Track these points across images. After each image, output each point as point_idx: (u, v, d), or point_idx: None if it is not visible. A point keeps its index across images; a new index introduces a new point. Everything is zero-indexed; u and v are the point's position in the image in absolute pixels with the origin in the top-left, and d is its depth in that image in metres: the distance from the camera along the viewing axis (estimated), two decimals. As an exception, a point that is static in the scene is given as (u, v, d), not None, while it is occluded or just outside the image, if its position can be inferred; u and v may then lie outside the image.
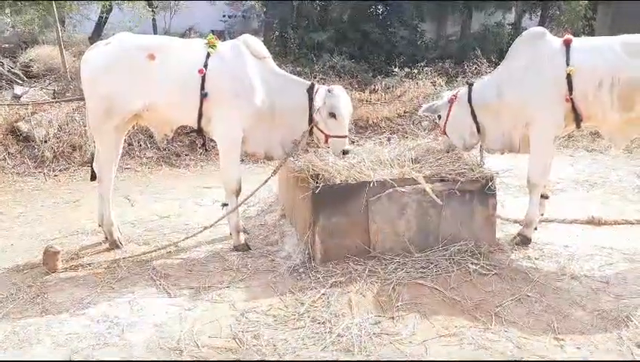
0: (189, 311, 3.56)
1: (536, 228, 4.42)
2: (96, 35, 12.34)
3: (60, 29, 9.71)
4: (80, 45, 12.05)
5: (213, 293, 3.77)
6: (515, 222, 4.75)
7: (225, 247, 4.52)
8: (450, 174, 4.10)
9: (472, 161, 4.32)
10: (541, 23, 14.98)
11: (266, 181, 4.44)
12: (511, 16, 15.48)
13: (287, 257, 4.24)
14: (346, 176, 4.03)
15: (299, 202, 4.22)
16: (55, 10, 9.68)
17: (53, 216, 5.54)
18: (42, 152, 7.19)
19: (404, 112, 8.79)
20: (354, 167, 4.14)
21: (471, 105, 4.45)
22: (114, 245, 4.55)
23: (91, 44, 11.40)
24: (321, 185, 3.88)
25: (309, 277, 3.91)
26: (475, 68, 9.49)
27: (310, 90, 4.27)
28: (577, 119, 4.19)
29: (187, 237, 4.51)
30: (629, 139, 4.42)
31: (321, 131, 4.26)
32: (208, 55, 4.26)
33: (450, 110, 4.54)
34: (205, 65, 4.21)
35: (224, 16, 15.62)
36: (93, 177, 4.59)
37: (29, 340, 3.27)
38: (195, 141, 7.66)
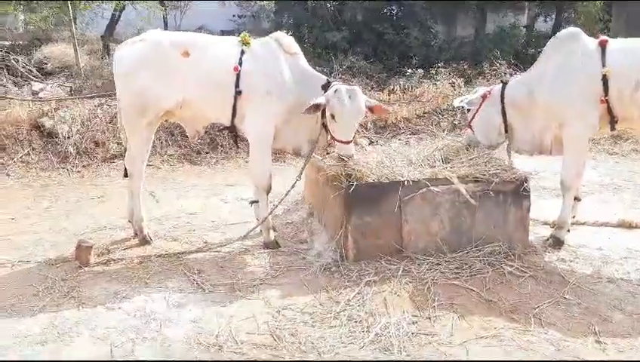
0: (225, 308, 3.56)
1: (568, 231, 4.39)
2: (109, 33, 12.43)
3: (74, 27, 9.77)
4: (92, 43, 12.15)
5: (247, 290, 3.77)
6: (545, 223, 4.72)
7: (255, 244, 4.52)
8: (483, 175, 4.08)
9: (505, 162, 4.29)
10: (556, 25, 14.96)
11: (294, 185, 4.44)
12: (523, 19, 15.46)
13: (318, 255, 4.23)
14: (378, 176, 4.02)
15: (330, 201, 4.21)
16: (70, 8, 9.71)
17: (80, 211, 5.57)
18: (66, 148, 7.21)
19: (423, 113, 8.77)
20: (386, 166, 4.12)
21: (503, 103, 4.43)
22: (144, 241, 4.56)
23: (104, 42, 11.75)
24: (354, 184, 3.87)
25: (342, 275, 3.91)
26: (494, 69, 9.43)
27: (325, 87, 4.19)
28: (612, 121, 4.15)
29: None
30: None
31: (329, 132, 4.17)
32: (242, 52, 4.26)
33: (481, 106, 4.52)
34: (240, 63, 4.22)
35: (234, 16, 15.68)
36: (127, 174, 4.59)
37: (69, 333, 3.28)
38: (215, 139, 7.68)
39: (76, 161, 7.16)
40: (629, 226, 4.72)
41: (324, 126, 4.18)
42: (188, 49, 4.24)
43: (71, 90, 9.02)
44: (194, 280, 3.89)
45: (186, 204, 5.68)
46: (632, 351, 3.07)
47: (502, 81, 4.58)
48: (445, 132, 7.95)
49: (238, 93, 4.22)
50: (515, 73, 9.23)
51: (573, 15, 14.84)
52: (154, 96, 4.22)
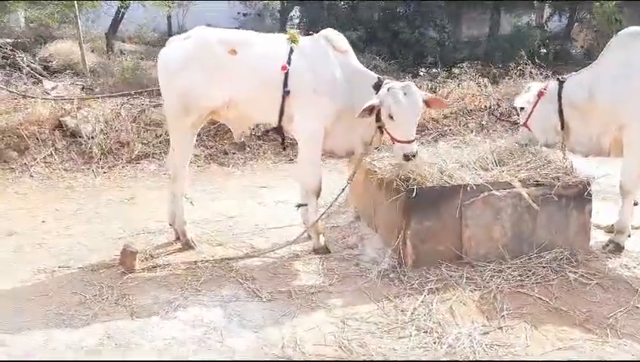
0: (286, 317, 3.43)
1: (629, 236, 4.26)
2: (113, 30, 12.29)
3: (80, 24, 9.60)
4: (95, 41, 12.03)
5: (306, 298, 3.63)
6: (598, 227, 4.60)
7: (303, 249, 4.38)
8: (545, 178, 3.95)
9: (564, 164, 4.16)
10: (569, 25, 14.87)
11: (344, 188, 4.31)
12: (533, 18, 15.37)
13: (372, 261, 4.10)
14: (437, 180, 3.89)
15: (384, 205, 4.07)
16: (76, 5, 9.55)
17: (112, 214, 5.41)
18: (90, 148, 7.05)
19: (450, 113, 8.63)
20: (444, 170, 3.99)
21: (560, 102, 4.30)
22: (187, 245, 4.42)
23: (108, 39, 11.61)
24: (416, 189, 3.73)
25: (402, 283, 3.78)
26: (520, 69, 9.31)
27: (376, 87, 4.03)
28: (675, 124, 4.03)
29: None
30: None
31: (387, 132, 4.01)
32: (291, 51, 4.12)
33: (536, 104, 4.39)
34: (288, 62, 4.08)
35: (238, 13, 15.56)
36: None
37: (127, 345, 3.15)
38: (242, 139, 7.52)
39: (101, 162, 6.99)
40: (685, 231, 4.59)
41: (379, 128, 4.03)
42: (235, 47, 4.10)
43: (83, 89, 8.87)
44: (249, 287, 3.76)
45: (222, 206, 5.53)
46: None
47: (558, 79, 4.44)
48: (473, 133, 7.83)
49: (286, 92, 4.07)
50: (542, 73, 9.19)
51: (587, 15, 14.73)
52: (200, 96, 4.08)
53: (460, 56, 12.19)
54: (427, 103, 3.99)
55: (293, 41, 4.20)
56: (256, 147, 7.47)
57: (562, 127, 4.34)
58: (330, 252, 4.29)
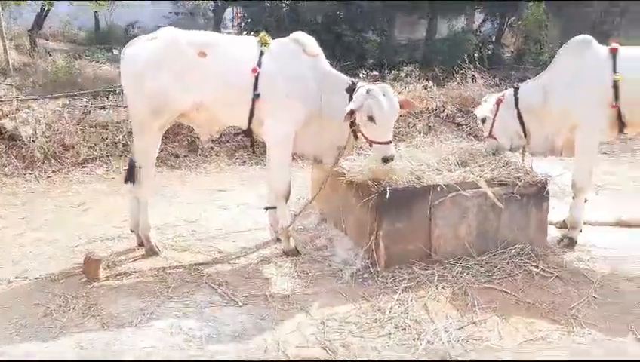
0: (265, 321, 3.41)
1: (581, 231, 4.54)
2: (37, 27, 11.73)
3: (1, 20, 9.08)
4: (19, 38, 11.40)
5: (282, 300, 3.62)
6: (550, 224, 4.85)
7: (273, 253, 4.35)
8: (508, 178, 4.14)
9: (524, 165, 4.38)
10: (500, 30, 15.61)
11: (318, 192, 4.32)
12: (465, 23, 16.04)
13: (344, 262, 4.13)
14: (407, 181, 3.99)
15: (354, 207, 4.13)
16: None
17: (64, 221, 5.17)
18: (31, 152, 6.67)
19: (399, 115, 8.80)
20: (413, 171, 4.09)
21: (517, 108, 4.52)
22: (152, 251, 4.29)
23: (32, 37, 11.01)
24: (388, 190, 3.81)
25: (376, 282, 3.84)
26: (463, 73, 9.66)
27: (350, 90, 4.06)
28: (621, 126, 4.33)
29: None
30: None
31: (364, 135, 4.02)
32: (261, 53, 4.10)
33: (497, 113, 4.59)
34: (259, 64, 4.05)
35: (170, 12, 15.27)
36: (129, 179, 4.28)
37: (104, 356, 3.02)
38: (194, 141, 7.35)
39: (44, 166, 6.63)
40: (627, 225, 4.94)
41: (354, 131, 4.04)
42: (204, 49, 4.02)
43: (21, 90, 8.38)
44: (224, 292, 3.70)
45: (181, 211, 5.39)
46: (672, 347, 3.20)
47: (513, 87, 4.68)
48: (422, 134, 8.07)
49: (256, 96, 4.04)
50: (482, 76, 9.59)
51: (517, 21, 15.48)
52: (169, 98, 3.97)
53: (400, 59, 12.49)
54: (400, 105, 4.00)
55: (263, 43, 4.17)
56: (208, 149, 7.33)
57: (524, 132, 4.56)
58: (300, 254, 4.29)
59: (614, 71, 4.23)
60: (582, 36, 4.47)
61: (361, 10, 13.09)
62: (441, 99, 9.03)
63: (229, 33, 12.62)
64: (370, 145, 3.96)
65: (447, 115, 8.89)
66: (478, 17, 16.48)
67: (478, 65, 10.01)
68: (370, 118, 3.80)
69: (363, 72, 10.83)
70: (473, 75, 9.50)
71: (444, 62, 11.37)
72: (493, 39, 15.17)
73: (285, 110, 4.08)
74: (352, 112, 3.81)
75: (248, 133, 4.27)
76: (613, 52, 4.28)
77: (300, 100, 4.08)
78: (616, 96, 4.22)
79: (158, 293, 3.70)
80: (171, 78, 3.95)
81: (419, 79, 9.65)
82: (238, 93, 4.04)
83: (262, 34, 4.22)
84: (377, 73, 10.58)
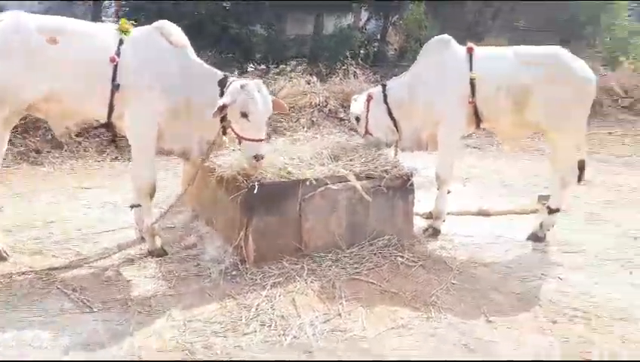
0: (122, 326, 3.20)
1: (444, 221, 4.77)
2: None
3: None
4: None
5: (143, 304, 3.43)
6: (416, 214, 5.06)
7: (138, 253, 4.12)
8: (375, 171, 4.24)
9: (392, 159, 4.52)
10: (384, 29, 16.19)
11: (185, 190, 4.15)
12: (351, 20, 16.47)
13: (213, 260, 4.01)
14: (277, 175, 3.94)
15: (224, 202, 4.02)
16: None
17: None
18: None
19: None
20: (283, 165, 4.06)
21: (387, 104, 4.65)
22: (-2, 257, 3.89)
23: None
24: (257, 185, 3.74)
25: (245, 279, 3.77)
26: (345, 69, 9.86)
27: (222, 84, 3.95)
28: (478, 121, 4.60)
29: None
30: (519, 140, 4.99)
31: (234, 132, 3.87)
32: (121, 42, 3.84)
33: (369, 110, 4.69)
34: (118, 54, 3.80)
35: None
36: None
37: None
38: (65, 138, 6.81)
39: None
40: (486, 214, 5.29)
41: (223, 127, 3.90)
42: (55, 34, 3.69)
43: None
44: (77, 298, 3.43)
45: (39, 211, 4.96)
46: (517, 327, 3.44)
47: (382, 84, 4.81)
48: (305, 128, 8.12)
49: (115, 86, 3.79)
50: (364, 72, 9.85)
51: (400, 21, 16.13)
52: (14, 87, 3.61)
53: (288, 54, 12.51)
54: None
55: (123, 31, 3.91)
56: (75, 144, 6.82)
57: (396, 127, 4.71)
58: (167, 254, 4.10)
59: (471, 69, 4.47)
60: (441, 36, 4.69)
61: (249, 4, 12.92)
62: (324, 94, 9.15)
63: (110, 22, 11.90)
64: (240, 143, 3.83)
65: (330, 110, 9.03)
66: (365, 15, 16.98)
67: (361, 61, 10.28)
68: (244, 115, 3.70)
69: (251, 65, 10.74)
70: (355, 71, 9.73)
71: (330, 58, 11.55)
72: (379, 37, 15.69)
73: (147, 103, 3.87)
74: (223, 107, 3.68)
75: (109, 126, 4.00)
76: (470, 51, 4.53)
77: (164, 92, 3.88)
78: (473, 93, 4.47)
79: (2, 302, 3.35)
80: (14, 65, 3.58)
81: (303, 74, 9.72)
82: (94, 83, 3.77)
83: (122, 21, 3.96)
84: (264, 67, 10.53)
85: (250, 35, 12.50)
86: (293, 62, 9.91)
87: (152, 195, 4.03)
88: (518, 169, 7.32)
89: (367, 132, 4.77)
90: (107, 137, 6.79)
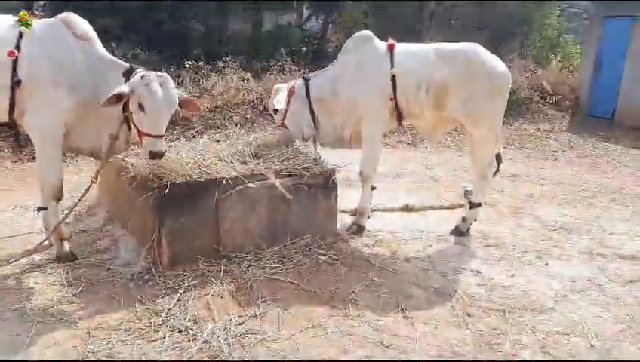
0: (18, 337, 3.00)
1: (368, 217, 4.77)
2: None
3: None
4: None
5: (44, 313, 3.24)
6: (343, 212, 5.05)
7: (46, 259, 3.90)
8: (296, 169, 4.17)
9: (314, 156, 4.46)
10: (325, 26, 16.22)
11: (88, 188, 3.93)
12: (291, 17, 16.43)
13: (126, 265, 3.85)
14: (192, 174, 3.81)
15: (137, 204, 3.85)
16: None
17: None
18: None
19: (215, 107, 8.64)
20: (200, 164, 3.93)
21: (309, 98, 4.59)
22: None
23: None
24: (168, 185, 3.60)
25: (158, 283, 3.62)
26: (281, 65, 9.77)
27: (127, 74, 3.73)
28: (400, 117, 4.62)
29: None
30: (440, 135, 5.04)
31: (134, 125, 3.64)
32: (21, 35, 3.61)
33: (289, 103, 4.61)
34: (18, 47, 3.56)
35: None
36: None
37: None
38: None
39: None
40: (412, 210, 5.34)
41: (126, 120, 3.71)
42: (-57, 27, 3.42)
43: None
44: (-30, 309, 3.19)
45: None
46: (433, 321, 3.46)
47: (303, 78, 4.74)
48: (238, 126, 7.98)
49: (16, 83, 3.56)
50: (300, 69, 9.78)
51: (339, 19, 16.18)
52: None
53: (225, 50, 12.30)
54: (181, 104, 3.75)
55: (23, 24, 3.67)
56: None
57: (314, 122, 4.65)
58: (77, 258, 3.90)
59: (392, 66, 4.47)
60: (363, 32, 4.68)
61: (185, -1, 12.60)
62: (259, 91, 9.03)
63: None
64: (141, 138, 3.65)
65: (264, 107, 8.91)
66: (307, 13, 16.94)
67: (296, 58, 10.21)
68: (141, 107, 3.51)
69: (189, 62, 10.42)
70: (290, 68, 9.66)
71: (269, 54, 11.43)
72: (320, 35, 15.69)
73: (51, 99, 3.65)
74: (118, 97, 3.49)
75: (11, 125, 3.74)
76: (391, 48, 4.53)
77: (69, 88, 3.67)
78: (394, 89, 4.47)
79: None
80: None
81: (238, 70, 9.56)
82: (-10, 79, 3.52)
83: (22, 13, 3.71)
84: (201, 64, 10.28)
85: (186, 31, 12.23)
86: (227, 59, 9.67)
87: (58, 198, 3.82)
88: (448, 164, 7.46)
89: (282, 124, 4.69)
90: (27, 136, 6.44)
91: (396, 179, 6.65)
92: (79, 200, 3.96)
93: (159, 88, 3.51)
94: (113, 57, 3.89)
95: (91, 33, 3.84)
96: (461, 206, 5.35)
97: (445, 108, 4.52)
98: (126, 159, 4.12)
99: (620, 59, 10.72)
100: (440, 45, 4.64)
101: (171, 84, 3.63)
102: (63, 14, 3.84)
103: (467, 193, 5.26)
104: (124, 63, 3.82)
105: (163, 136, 3.61)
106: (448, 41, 4.68)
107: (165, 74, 3.70)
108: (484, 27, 15.46)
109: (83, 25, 3.83)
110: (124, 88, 3.51)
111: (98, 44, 3.86)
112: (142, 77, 3.55)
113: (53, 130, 3.70)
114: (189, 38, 12.13)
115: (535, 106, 11.06)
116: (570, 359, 3.14)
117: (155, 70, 3.73)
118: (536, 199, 6.13)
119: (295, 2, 15.52)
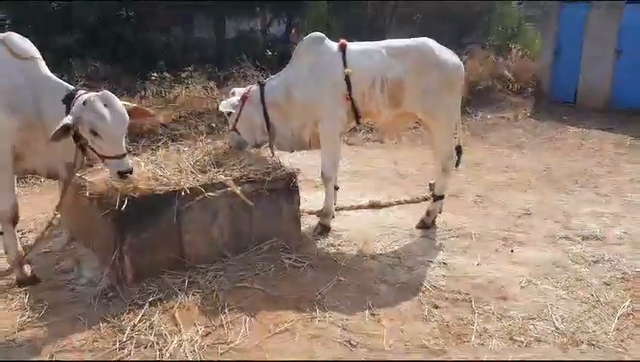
0: (-23, 368, 2.95)
1: (333, 217, 4.79)
2: None
3: None
4: None
5: (5, 340, 3.18)
6: (310, 213, 5.07)
7: (6, 284, 3.82)
8: (256, 175, 4.17)
9: (274, 160, 4.46)
10: (287, 30, 16.23)
11: (55, 216, 3.89)
12: (257, 23, 16.40)
13: (89, 284, 3.80)
14: (150, 187, 3.78)
15: (97, 222, 3.80)
16: None
17: None
18: None
19: (179, 117, 8.58)
20: (158, 176, 3.90)
21: (263, 103, 4.59)
22: None
23: None
24: (126, 200, 3.56)
25: (123, 300, 3.58)
26: (242, 72, 9.75)
27: (68, 100, 3.54)
28: (357, 116, 4.64)
29: None
30: (400, 131, 5.09)
31: (94, 151, 3.51)
32: (-41, 56, 3.53)
33: (242, 107, 4.60)
34: (-48, 69, 3.48)
35: None
36: None
37: None
38: None
39: None
40: (378, 206, 5.38)
41: (81, 147, 3.56)
42: None
43: None
44: None
45: None
46: (400, 317, 3.50)
47: (259, 83, 4.74)
48: (204, 135, 7.93)
49: None
50: (263, 75, 9.76)
51: (302, 21, 16.21)
52: None
53: (190, 59, 12.22)
54: (130, 114, 3.61)
55: (-41, 44, 3.59)
56: None
57: (268, 127, 4.65)
58: (39, 281, 3.83)
59: (345, 65, 4.49)
60: (314, 33, 4.69)
61: (145, 9, 12.47)
62: (223, 99, 8.96)
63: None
64: (103, 161, 3.56)
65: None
66: (269, 17, 16.90)
67: (260, 63, 10.19)
68: (94, 133, 3.41)
69: (154, 73, 10.37)
70: (253, 74, 9.65)
71: (232, 61, 11.39)
72: (283, 38, 15.68)
73: (-7, 124, 3.55)
74: (65, 129, 3.36)
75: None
76: (343, 47, 4.55)
77: (9, 111, 3.55)
78: (349, 89, 4.50)
79: None
80: None
81: (200, 79, 9.51)
82: None
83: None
84: (165, 74, 10.20)
85: (148, 42, 12.12)
86: (190, 68, 9.62)
87: (14, 221, 3.75)
88: (416, 158, 7.52)
89: (234, 128, 4.67)
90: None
91: (363, 177, 6.67)
92: (46, 228, 3.91)
93: (106, 110, 3.41)
94: (58, 80, 3.74)
95: (33, 52, 3.74)
96: (426, 199, 5.41)
97: (402, 104, 4.55)
98: (84, 177, 4.06)
99: (578, 44, 10.96)
100: (392, 42, 4.68)
101: (115, 100, 3.50)
102: (5, 34, 3.76)
103: (432, 186, 5.32)
104: (67, 86, 3.67)
105: (126, 153, 3.54)
106: (411, 36, 4.71)
107: (106, 91, 3.57)
108: (446, 20, 15.69)
109: (24, 44, 3.72)
110: (67, 120, 3.37)
111: (41, 64, 3.75)
112: (84, 103, 3.41)
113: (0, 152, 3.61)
114: (152, 50, 12.02)
115: (498, 95, 11.23)
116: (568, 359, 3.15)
117: (112, 87, 3.67)
118: (501, 187, 6.23)
119: (258, 8, 15.51)
